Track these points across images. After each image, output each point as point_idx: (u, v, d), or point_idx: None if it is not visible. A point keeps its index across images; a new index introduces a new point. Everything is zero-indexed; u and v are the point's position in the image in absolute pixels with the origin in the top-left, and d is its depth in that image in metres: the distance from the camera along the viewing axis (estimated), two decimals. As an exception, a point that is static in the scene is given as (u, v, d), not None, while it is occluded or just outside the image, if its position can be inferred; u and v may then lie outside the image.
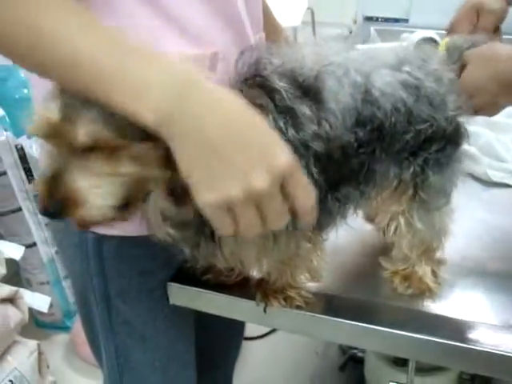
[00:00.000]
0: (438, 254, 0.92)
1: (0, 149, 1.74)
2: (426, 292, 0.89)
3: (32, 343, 1.58)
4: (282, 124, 0.66)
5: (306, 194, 0.61)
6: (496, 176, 1.17)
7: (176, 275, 0.92)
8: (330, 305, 0.86)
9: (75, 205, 0.60)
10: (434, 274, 0.91)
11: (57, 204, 0.60)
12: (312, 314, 0.84)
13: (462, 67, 0.86)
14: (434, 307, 0.86)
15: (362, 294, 0.89)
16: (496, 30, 1.01)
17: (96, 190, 0.60)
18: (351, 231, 0.85)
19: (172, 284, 0.92)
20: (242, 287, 0.89)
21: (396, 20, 2.11)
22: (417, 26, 1.93)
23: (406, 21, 2.08)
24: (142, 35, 0.67)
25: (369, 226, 1.01)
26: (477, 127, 1.27)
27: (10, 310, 1.48)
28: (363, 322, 0.82)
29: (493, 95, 0.83)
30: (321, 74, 0.70)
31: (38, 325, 2.06)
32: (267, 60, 0.70)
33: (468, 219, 1.07)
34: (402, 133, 0.76)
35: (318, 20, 4.15)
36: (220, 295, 0.89)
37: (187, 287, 0.91)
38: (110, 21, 0.72)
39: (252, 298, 0.86)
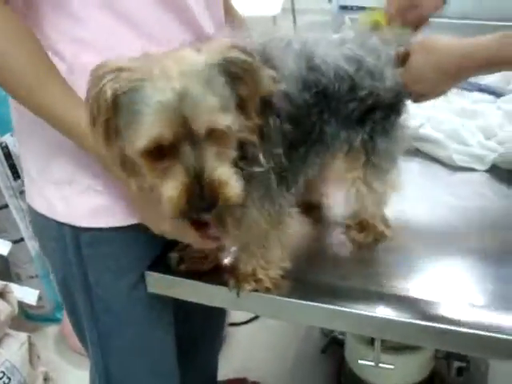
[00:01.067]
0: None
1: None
2: (380, 237, 1.02)
3: (22, 335, 1.63)
4: None
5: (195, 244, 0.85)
6: (461, 160, 1.22)
7: (153, 264, 0.97)
8: (296, 288, 0.91)
9: (223, 190, 0.67)
10: (384, 220, 1.03)
11: (209, 198, 0.66)
12: (279, 297, 0.90)
13: (406, 55, 0.94)
14: (399, 288, 0.91)
15: (328, 276, 0.94)
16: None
17: (229, 170, 0.69)
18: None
19: (149, 273, 0.96)
20: (216, 274, 0.94)
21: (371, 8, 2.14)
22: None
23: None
24: (102, 37, 0.71)
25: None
26: (443, 113, 1.32)
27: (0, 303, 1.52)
28: (328, 304, 0.88)
29: (434, 83, 0.92)
30: (266, 47, 0.79)
31: (28, 318, 2.10)
32: None
33: (433, 202, 1.13)
34: (346, 100, 0.87)
35: (298, 7, 4.19)
36: (195, 282, 0.94)
37: (164, 275, 0.96)
38: (71, 25, 0.78)
39: (225, 284, 0.91)
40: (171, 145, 0.66)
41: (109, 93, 0.65)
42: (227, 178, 0.68)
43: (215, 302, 0.96)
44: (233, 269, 0.91)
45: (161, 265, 0.97)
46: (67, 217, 0.90)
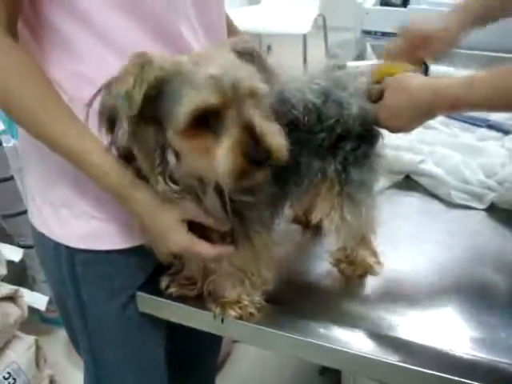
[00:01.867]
0: (374, 240, 1.07)
1: (8, 155, 1.85)
2: (369, 271, 1.05)
3: (30, 338, 1.69)
4: None
5: (205, 253, 0.85)
6: (459, 198, 1.23)
7: (144, 285, 1.01)
8: (279, 313, 0.95)
9: (275, 141, 0.70)
10: (374, 254, 1.06)
11: (264, 148, 0.69)
12: (260, 326, 0.93)
13: (381, 92, 0.97)
14: (383, 327, 0.93)
15: (311, 304, 0.98)
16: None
17: (275, 126, 0.73)
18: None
19: (140, 294, 1.01)
20: (202, 299, 0.97)
21: (393, 34, 2.15)
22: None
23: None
24: (101, 72, 0.75)
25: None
26: (445, 149, 1.33)
27: (10, 307, 1.59)
28: (301, 336, 0.91)
29: (407, 119, 0.95)
30: None
31: (42, 321, 2.17)
32: None
33: (427, 239, 1.14)
34: (316, 130, 0.92)
35: (330, 24, 4.22)
36: (183, 306, 0.98)
37: (153, 297, 1.00)
38: (71, 60, 0.83)
39: (210, 309, 0.95)
40: (217, 110, 0.69)
41: (151, 76, 0.68)
42: (276, 130, 0.72)
43: (201, 326, 0.99)
44: (217, 296, 0.94)
45: (151, 286, 1.01)
46: (63, 238, 0.95)
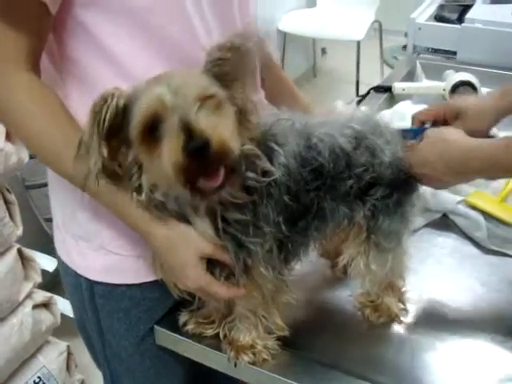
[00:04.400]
0: (402, 286, 1.04)
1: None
2: (394, 319, 1.02)
3: (62, 344, 1.73)
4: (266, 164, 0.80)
5: (219, 294, 0.84)
6: (495, 243, 1.17)
7: (163, 318, 1.01)
8: (294, 362, 0.93)
9: (214, 132, 0.68)
10: (401, 301, 1.03)
11: (200, 137, 0.67)
12: (271, 374, 0.91)
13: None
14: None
15: (330, 355, 0.95)
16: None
17: (223, 124, 0.71)
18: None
19: (157, 328, 1.01)
20: (218, 339, 0.96)
21: (445, 51, 2.08)
22: (463, 62, 1.93)
23: (454, 53, 2.04)
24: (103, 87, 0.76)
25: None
26: (487, 191, 1.27)
27: (43, 314, 1.63)
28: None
29: (438, 172, 0.91)
30: (272, 125, 0.85)
31: (75, 325, 2.22)
32: None
33: (455, 285, 1.09)
34: (343, 177, 0.89)
35: (386, 28, 4.13)
36: (197, 345, 0.97)
37: (170, 333, 1.00)
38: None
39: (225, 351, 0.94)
40: (161, 117, 0.69)
41: (120, 102, 0.71)
42: (216, 124, 0.70)
43: (216, 366, 0.98)
44: (232, 339, 0.93)
45: (171, 320, 1.01)
46: (83, 269, 0.96)
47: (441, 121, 1.01)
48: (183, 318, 0.99)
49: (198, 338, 0.98)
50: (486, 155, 0.85)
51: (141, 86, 0.73)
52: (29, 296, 1.60)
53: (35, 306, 1.61)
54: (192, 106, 0.69)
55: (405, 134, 0.99)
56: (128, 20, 0.80)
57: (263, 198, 0.80)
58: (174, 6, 0.82)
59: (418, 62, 2.00)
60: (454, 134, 0.91)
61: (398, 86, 1.78)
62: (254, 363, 0.92)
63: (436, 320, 1.03)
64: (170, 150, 0.68)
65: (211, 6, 0.87)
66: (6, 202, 1.50)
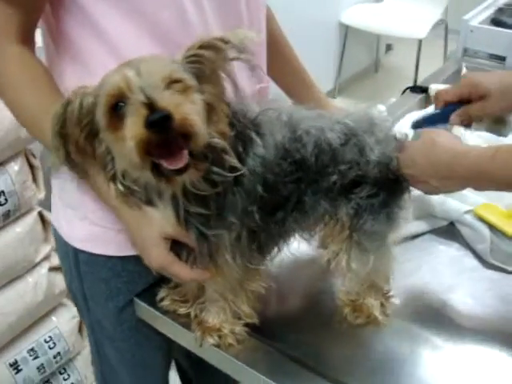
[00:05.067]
0: (386, 288, 1.02)
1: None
2: (372, 322, 0.99)
3: (75, 309, 1.79)
4: (240, 149, 0.80)
5: (181, 276, 0.85)
6: (496, 258, 1.13)
7: (144, 292, 1.04)
8: (255, 353, 0.93)
9: (177, 109, 0.68)
10: (383, 306, 1.01)
11: (162, 110, 0.67)
12: (232, 358, 0.92)
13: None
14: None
15: (297, 350, 0.94)
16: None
17: (188, 104, 0.71)
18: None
19: (137, 300, 1.03)
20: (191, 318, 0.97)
21: (495, 56, 2.00)
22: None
23: (504, 59, 1.96)
24: (95, 67, 0.80)
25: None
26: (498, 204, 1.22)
27: (58, 277, 1.69)
28: (271, 379, 0.88)
29: (424, 174, 0.88)
30: (258, 115, 0.84)
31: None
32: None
33: (446, 298, 1.06)
34: (327, 172, 0.87)
35: (451, 28, 3.99)
36: (171, 322, 0.99)
37: (148, 307, 1.02)
38: (84, 75, 0.85)
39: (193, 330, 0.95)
40: (125, 99, 0.69)
41: (88, 99, 0.73)
42: (181, 102, 0.69)
43: (186, 345, 1.00)
44: (201, 320, 0.94)
45: (150, 294, 1.03)
46: (68, 236, 1.00)
47: (465, 101, 0.98)
48: (161, 293, 1.01)
49: (173, 315, 1.00)
50: (471, 163, 0.82)
51: (107, 74, 0.74)
52: (46, 258, 1.67)
53: (51, 269, 1.68)
54: (156, 85, 0.69)
55: (430, 119, 0.98)
56: (121, 2, 0.82)
57: (231, 187, 0.80)
58: None
59: (463, 64, 1.93)
60: (443, 137, 0.88)
61: (435, 88, 1.73)
62: (218, 346, 0.93)
63: (417, 327, 1.00)
64: (132, 125, 0.68)
65: None
66: (31, 166, 1.56)
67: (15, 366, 1.67)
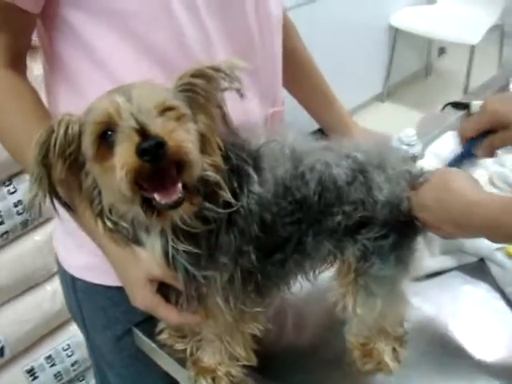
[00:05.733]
0: (399, 333, 0.94)
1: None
2: (382, 369, 0.91)
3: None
4: (235, 184, 0.74)
5: (168, 320, 0.82)
6: (526, 304, 1.03)
7: (143, 322, 0.99)
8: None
9: (170, 135, 0.63)
10: (395, 352, 0.92)
11: (155, 138, 0.61)
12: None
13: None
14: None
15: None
16: None
17: (182, 131, 0.66)
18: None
19: (135, 331, 0.99)
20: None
21: None
22: None
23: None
24: (89, 91, 0.74)
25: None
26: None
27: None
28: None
29: (437, 219, 0.81)
30: (261, 148, 0.78)
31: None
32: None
33: (461, 340, 0.97)
34: (331, 212, 0.80)
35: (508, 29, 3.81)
36: (166, 357, 0.95)
37: (146, 339, 0.98)
38: (78, 100, 0.81)
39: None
40: (115, 127, 0.64)
41: (74, 127, 0.68)
42: (175, 129, 0.64)
43: (180, 380, 0.95)
44: (196, 359, 0.89)
45: (150, 325, 0.98)
46: (67, 264, 0.97)
47: (490, 131, 0.91)
48: (160, 325, 0.97)
49: (170, 349, 0.95)
50: (484, 214, 0.74)
51: (95, 102, 0.69)
52: (66, 267, 1.66)
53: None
54: (148, 112, 0.64)
55: (459, 159, 0.94)
56: (111, 22, 0.78)
57: (225, 225, 0.74)
58: (159, 12, 0.77)
59: (510, 79, 1.81)
60: (458, 181, 0.79)
61: (476, 104, 1.62)
62: (211, 388, 0.88)
63: (433, 378, 0.92)
64: (122, 152, 0.62)
65: (211, 13, 0.82)
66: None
67: (32, 373, 1.67)
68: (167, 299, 0.80)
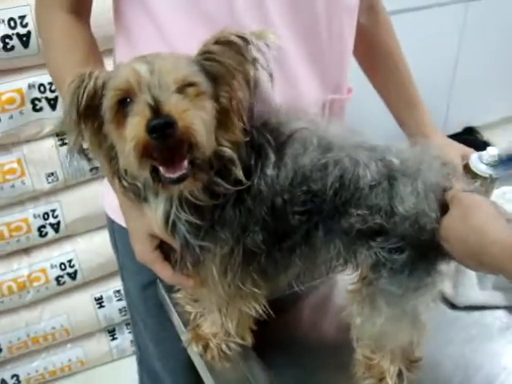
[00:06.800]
0: (411, 356, 0.89)
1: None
2: None
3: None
4: (252, 162, 0.74)
5: (162, 276, 0.85)
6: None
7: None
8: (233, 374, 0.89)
9: (182, 115, 0.64)
10: (401, 375, 0.87)
11: (166, 116, 0.63)
12: (204, 371, 0.89)
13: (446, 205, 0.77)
14: None
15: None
16: None
17: (195, 111, 0.67)
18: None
19: (158, 282, 1.03)
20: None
21: None
22: None
23: None
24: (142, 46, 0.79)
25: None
26: None
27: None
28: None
29: (458, 254, 0.75)
30: (295, 133, 0.77)
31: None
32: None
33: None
34: (347, 212, 0.76)
35: None
36: (176, 316, 0.98)
37: (163, 293, 1.02)
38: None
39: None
40: (133, 95, 0.66)
41: (99, 82, 0.70)
42: (188, 109, 0.65)
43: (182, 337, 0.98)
44: (197, 325, 0.92)
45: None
46: (106, 204, 1.04)
47: None
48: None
49: (181, 308, 0.98)
50: (497, 255, 0.67)
51: (122, 65, 0.71)
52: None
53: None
54: (167, 87, 0.66)
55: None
56: None
57: (231, 202, 0.74)
58: None
59: None
60: (480, 213, 0.72)
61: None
62: (201, 355, 0.90)
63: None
64: (133, 127, 0.64)
65: None
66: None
67: (99, 301, 1.81)
68: (168, 256, 0.82)
